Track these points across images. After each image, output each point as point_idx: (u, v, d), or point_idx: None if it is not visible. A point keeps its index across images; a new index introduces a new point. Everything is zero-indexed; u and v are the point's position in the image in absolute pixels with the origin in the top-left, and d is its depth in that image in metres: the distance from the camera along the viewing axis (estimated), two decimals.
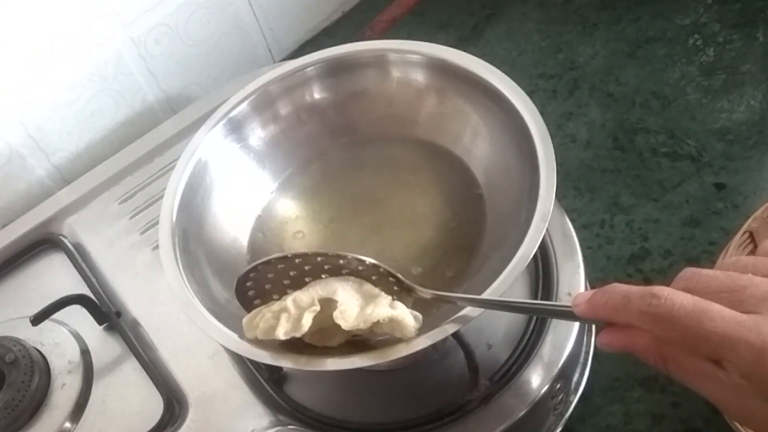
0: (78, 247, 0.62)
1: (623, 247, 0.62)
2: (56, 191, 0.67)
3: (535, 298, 0.52)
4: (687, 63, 0.72)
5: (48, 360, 0.56)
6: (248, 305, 0.44)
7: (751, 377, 0.30)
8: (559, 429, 0.51)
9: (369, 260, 0.42)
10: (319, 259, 0.42)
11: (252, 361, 0.52)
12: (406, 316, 0.41)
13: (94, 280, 0.59)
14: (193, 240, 0.50)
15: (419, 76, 0.54)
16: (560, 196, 0.63)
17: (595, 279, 0.59)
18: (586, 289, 0.53)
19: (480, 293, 0.41)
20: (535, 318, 0.51)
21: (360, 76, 0.56)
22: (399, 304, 0.42)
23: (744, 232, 0.54)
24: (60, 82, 0.66)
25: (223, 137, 0.54)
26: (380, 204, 0.54)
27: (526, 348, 0.50)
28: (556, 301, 0.52)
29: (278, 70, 0.55)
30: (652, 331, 0.33)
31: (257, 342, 0.42)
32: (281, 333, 0.41)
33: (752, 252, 0.54)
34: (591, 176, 0.66)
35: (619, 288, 0.34)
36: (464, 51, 0.52)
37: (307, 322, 0.41)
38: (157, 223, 0.57)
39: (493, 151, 0.51)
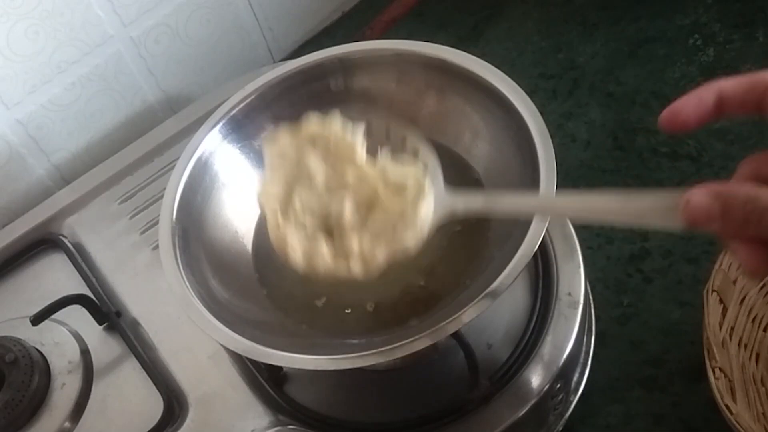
0: (78, 247, 0.62)
1: (623, 247, 0.62)
2: (56, 191, 0.67)
3: (535, 298, 0.52)
4: (687, 63, 0.72)
5: (48, 360, 0.56)
6: None
7: None
8: (559, 429, 0.51)
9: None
10: None
11: (252, 361, 0.52)
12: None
13: (94, 280, 0.59)
14: (193, 240, 0.50)
15: (419, 76, 0.54)
16: None
17: (595, 279, 0.59)
18: (586, 288, 0.53)
19: (480, 293, 0.41)
20: (535, 318, 0.51)
21: (360, 76, 0.56)
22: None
23: None
24: (60, 82, 0.66)
25: (223, 137, 0.54)
26: None
27: (526, 348, 0.50)
28: (556, 302, 0.51)
29: (278, 70, 0.55)
30: None
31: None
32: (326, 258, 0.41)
33: None
34: (591, 176, 0.66)
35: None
36: (464, 51, 0.52)
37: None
38: (157, 223, 0.57)
39: (493, 151, 0.51)
